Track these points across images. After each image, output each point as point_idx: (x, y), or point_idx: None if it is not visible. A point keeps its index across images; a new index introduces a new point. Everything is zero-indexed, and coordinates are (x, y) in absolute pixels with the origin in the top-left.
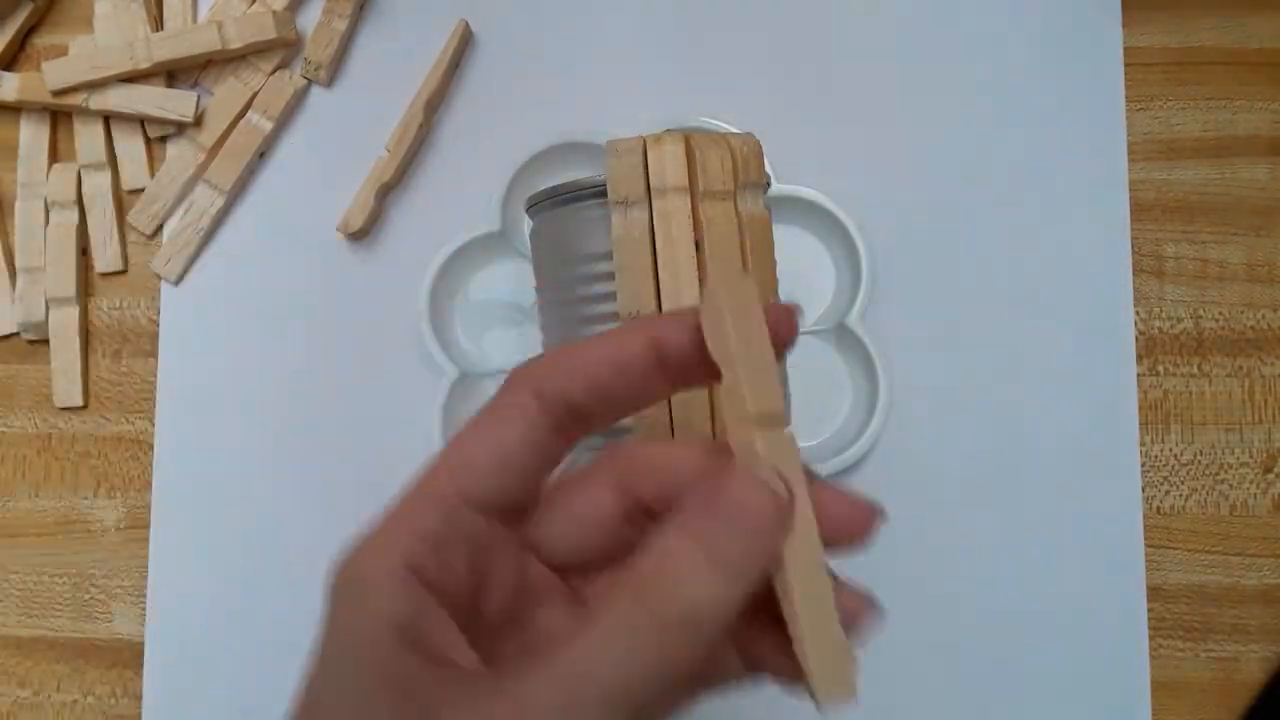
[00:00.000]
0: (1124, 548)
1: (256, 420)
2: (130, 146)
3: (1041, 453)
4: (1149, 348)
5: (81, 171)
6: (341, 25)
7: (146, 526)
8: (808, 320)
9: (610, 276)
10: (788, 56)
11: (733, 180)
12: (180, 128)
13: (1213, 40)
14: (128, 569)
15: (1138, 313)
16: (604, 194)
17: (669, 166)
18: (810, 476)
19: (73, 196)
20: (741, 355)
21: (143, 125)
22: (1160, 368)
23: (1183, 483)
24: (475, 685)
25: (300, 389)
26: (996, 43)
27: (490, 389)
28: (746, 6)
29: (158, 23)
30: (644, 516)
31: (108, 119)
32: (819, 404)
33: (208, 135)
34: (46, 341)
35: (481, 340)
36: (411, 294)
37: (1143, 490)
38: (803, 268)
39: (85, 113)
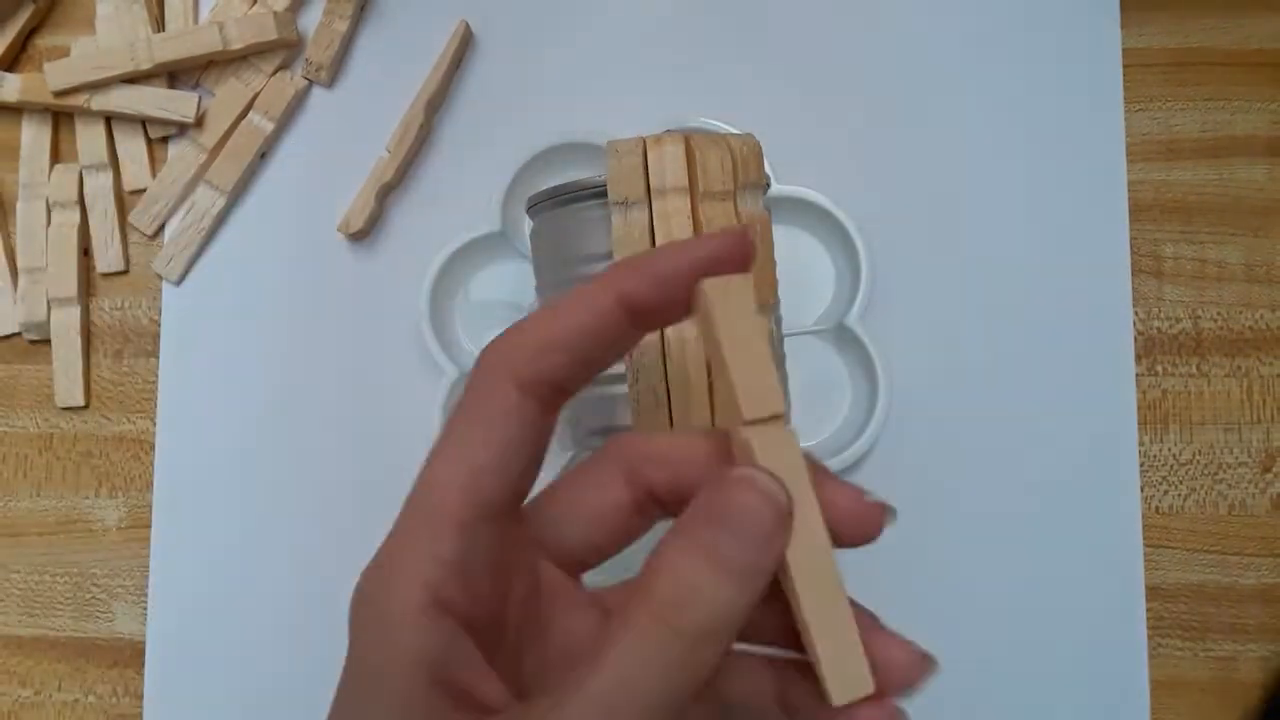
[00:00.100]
0: (1123, 547)
1: (257, 420)
2: (132, 147)
3: (1040, 453)
4: (1148, 348)
5: (83, 172)
6: (342, 26)
7: (148, 526)
8: (808, 320)
9: None
10: (788, 56)
11: (733, 181)
12: (181, 128)
13: (1211, 41)
14: (129, 568)
15: (1136, 313)
16: (604, 194)
17: (669, 167)
18: (818, 472)
19: (74, 197)
20: (735, 356)
21: (144, 126)
22: (1159, 368)
23: (1181, 482)
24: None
25: (301, 389)
26: (995, 43)
27: None
28: (746, 6)
29: (159, 24)
30: (654, 506)
31: (109, 120)
32: (819, 404)
33: (209, 136)
34: (48, 341)
35: (481, 340)
36: (411, 294)
37: (1141, 490)
38: (802, 268)
39: (87, 113)
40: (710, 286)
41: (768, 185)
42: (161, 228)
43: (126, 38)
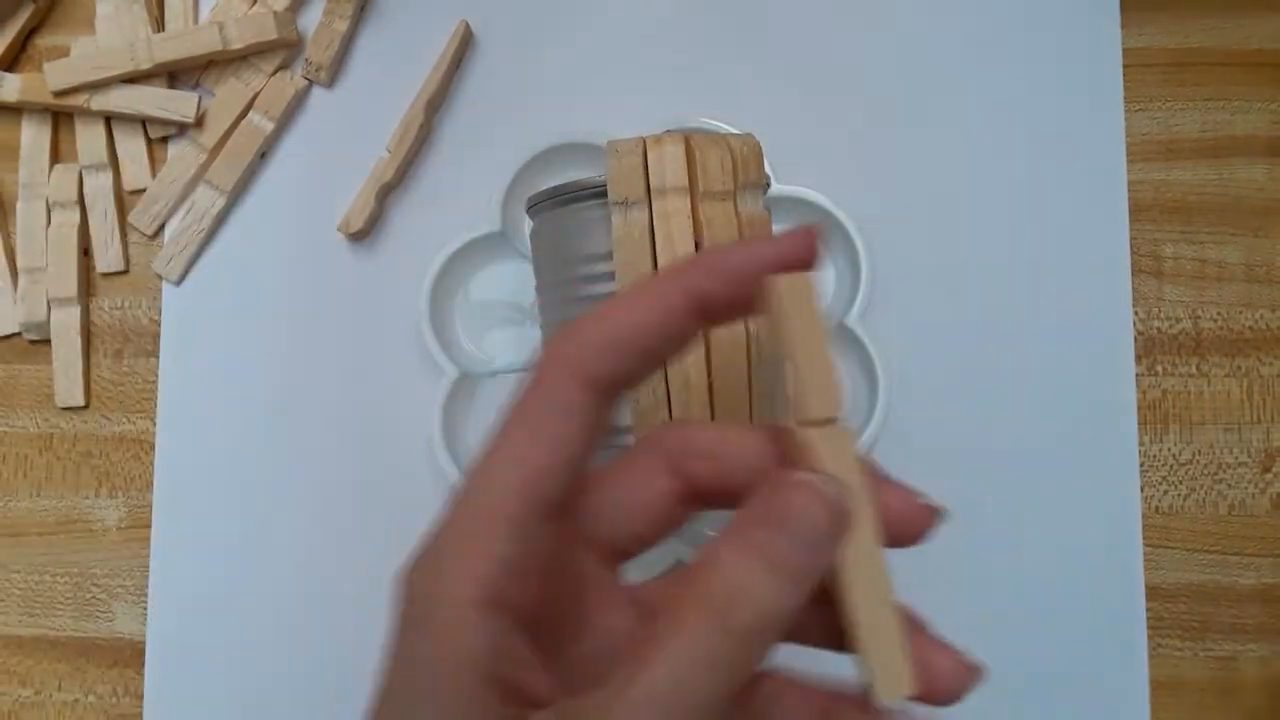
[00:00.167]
0: (1122, 547)
1: (257, 420)
2: (132, 147)
3: (1040, 452)
4: (1148, 348)
5: (83, 172)
6: (342, 26)
7: (148, 526)
8: None
9: (610, 276)
10: (788, 56)
11: (732, 181)
12: (181, 128)
13: (1211, 41)
14: (129, 568)
15: (1136, 313)
16: (604, 194)
17: (669, 167)
18: (872, 472)
19: (74, 197)
20: (801, 355)
21: (144, 126)
22: (1159, 368)
23: (1181, 482)
24: (563, 716)
25: (301, 389)
26: (995, 44)
27: (490, 389)
28: (746, 6)
29: (159, 24)
30: (696, 498)
31: (109, 120)
32: None
33: (209, 136)
34: (48, 341)
35: (481, 340)
36: (411, 294)
37: (1141, 490)
38: None
39: (87, 113)
40: (781, 284)
41: (768, 185)
42: (161, 228)
43: (126, 38)
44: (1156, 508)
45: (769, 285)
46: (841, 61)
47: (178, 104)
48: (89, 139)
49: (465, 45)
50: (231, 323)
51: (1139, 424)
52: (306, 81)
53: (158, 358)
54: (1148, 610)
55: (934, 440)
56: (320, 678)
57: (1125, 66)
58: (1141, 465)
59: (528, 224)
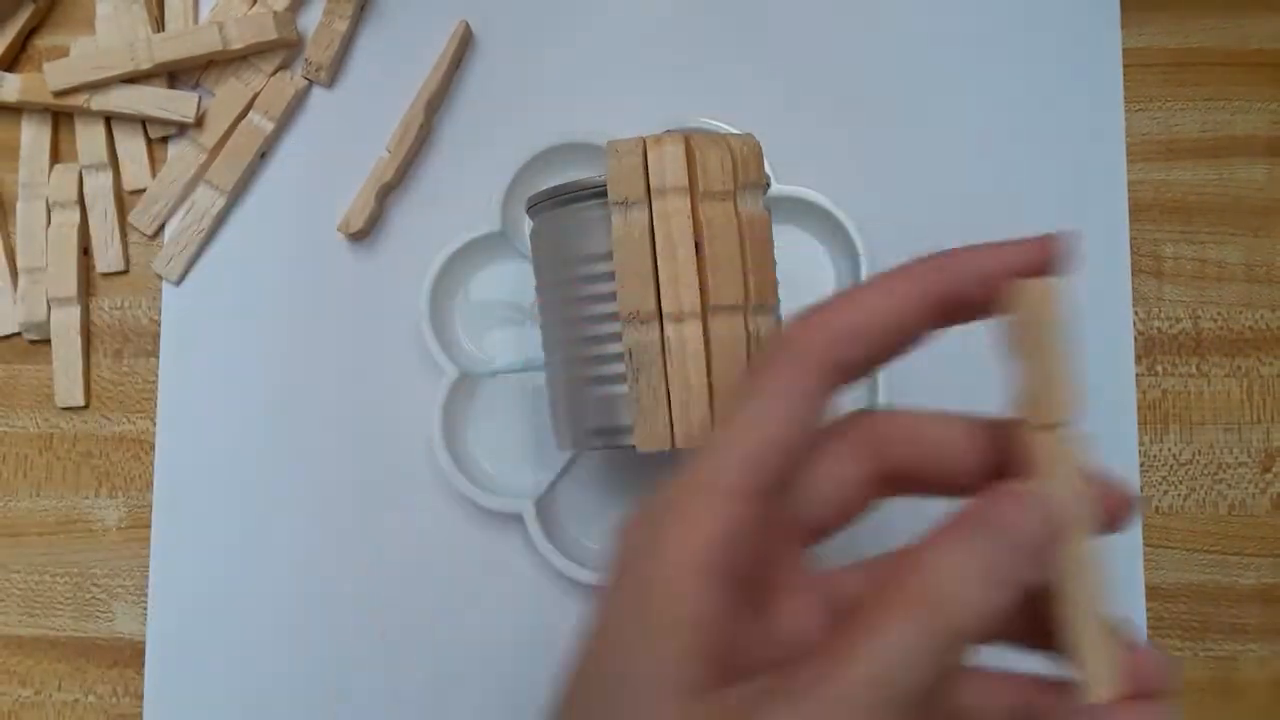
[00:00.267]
0: (1122, 547)
1: (257, 420)
2: (132, 147)
3: None
4: (1147, 348)
5: (83, 172)
6: (342, 26)
7: (148, 526)
8: None
9: (610, 276)
10: (788, 57)
11: (732, 181)
12: (181, 128)
13: (1211, 41)
14: (129, 568)
15: (1136, 313)
16: (604, 194)
17: (669, 167)
18: (1087, 473)
19: (74, 197)
20: (1040, 359)
21: (144, 126)
22: (1159, 368)
23: (1181, 482)
24: (770, 696)
25: (300, 389)
26: (995, 43)
27: (490, 389)
28: (746, 6)
29: (159, 24)
30: (889, 485)
31: (109, 120)
32: None
33: (209, 136)
34: (48, 341)
35: (481, 340)
36: (411, 294)
37: (1141, 489)
38: (802, 268)
39: (87, 113)
40: (1026, 288)
41: (768, 185)
42: (161, 228)
43: (126, 38)
44: (1156, 508)
45: (1013, 289)
46: (841, 61)
47: (178, 104)
48: (89, 139)
49: (465, 45)
50: (231, 323)
51: (1139, 424)
52: (306, 81)
53: (158, 358)
54: (1148, 610)
55: None
56: (320, 678)
57: (1125, 66)
58: (1141, 465)
59: (528, 224)
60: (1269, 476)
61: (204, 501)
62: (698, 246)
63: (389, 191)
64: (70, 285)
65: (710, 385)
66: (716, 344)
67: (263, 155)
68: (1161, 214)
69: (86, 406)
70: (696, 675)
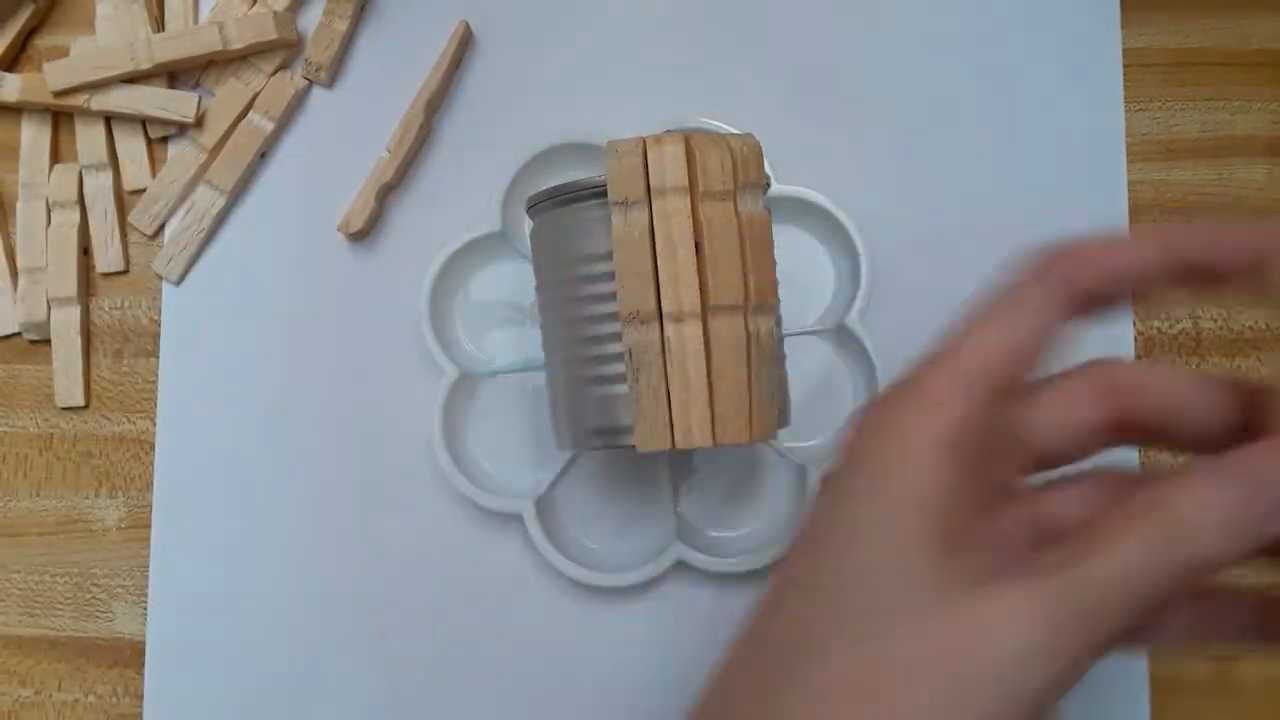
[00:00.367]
0: None
1: (257, 419)
2: (131, 147)
3: None
4: (1147, 348)
5: (83, 172)
6: (342, 26)
7: (148, 526)
8: (808, 320)
9: (610, 276)
10: (788, 57)
11: (733, 181)
12: (181, 128)
13: (1211, 41)
14: (129, 568)
15: (1136, 313)
16: (604, 194)
17: (669, 167)
18: None
19: (74, 197)
20: None
21: (144, 126)
22: None
23: None
24: (1005, 570)
25: (300, 389)
26: (995, 43)
27: (490, 389)
28: (746, 6)
29: (159, 24)
30: (1119, 431)
31: (109, 120)
32: (819, 404)
33: (209, 136)
34: (48, 341)
35: (481, 340)
36: (411, 294)
37: None
38: (802, 268)
39: (87, 113)
40: None
41: (768, 185)
42: (161, 228)
43: (126, 38)
44: None
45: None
46: (841, 61)
47: (178, 104)
48: (89, 139)
49: (465, 45)
50: (231, 323)
51: None
52: (306, 81)
53: (158, 358)
54: None
55: None
56: (320, 678)
57: (1125, 66)
58: (1142, 465)
59: (528, 224)
60: None
61: (204, 501)
62: (698, 246)
63: (389, 191)
64: (70, 285)
65: (710, 385)
66: (716, 344)
67: (263, 155)
68: (1161, 214)
69: (86, 406)
70: (937, 542)
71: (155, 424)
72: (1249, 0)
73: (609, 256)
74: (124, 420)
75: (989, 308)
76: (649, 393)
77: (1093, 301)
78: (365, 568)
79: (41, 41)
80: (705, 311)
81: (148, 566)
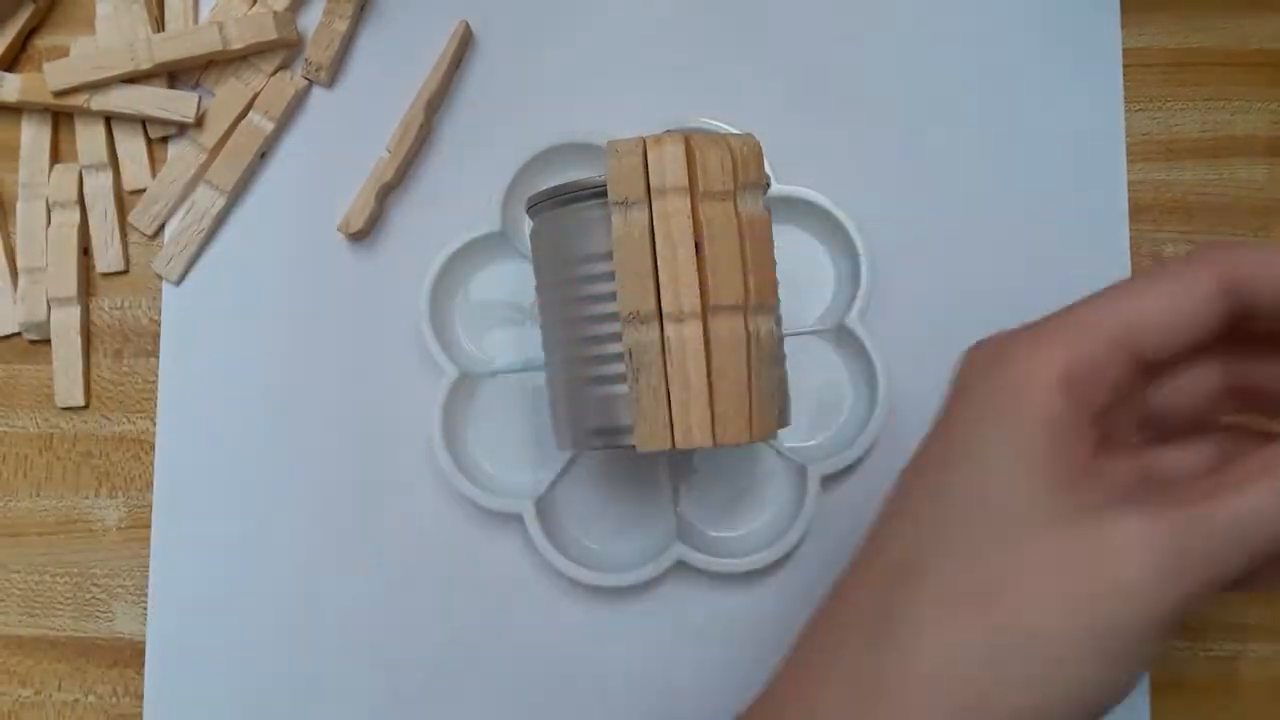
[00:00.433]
0: None
1: (257, 420)
2: (131, 147)
3: None
4: None
5: (83, 172)
6: (342, 26)
7: (148, 526)
8: (808, 320)
9: (610, 276)
10: (788, 57)
11: (733, 181)
12: (181, 128)
13: (1211, 41)
14: (129, 568)
15: None
16: (604, 194)
17: (669, 167)
18: None
19: (74, 197)
20: None
21: (144, 126)
22: None
23: None
24: (1128, 502)
25: (300, 389)
26: (995, 43)
27: (490, 389)
28: (746, 6)
29: (159, 24)
30: (1247, 322)
31: (109, 120)
32: (819, 404)
33: (209, 136)
34: (48, 341)
35: (481, 340)
36: (411, 294)
37: None
38: (802, 268)
39: (87, 113)
40: None
41: (768, 185)
42: (161, 228)
43: (126, 38)
44: None
45: None
46: (842, 61)
47: (178, 104)
48: (89, 139)
49: (465, 45)
50: (231, 323)
51: None
52: (306, 81)
53: (158, 358)
54: None
55: None
56: (320, 678)
57: (1125, 66)
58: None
59: (528, 224)
60: None
61: (204, 501)
62: (698, 246)
63: (389, 191)
64: (70, 285)
65: (710, 385)
66: (716, 344)
67: (263, 155)
68: (1161, 214)
69: (86, 406)
70: (1058, 467)
71: (155, 424)
72: (1249, 0)
73: (609, 256)
74: (124, 420)
75: (1136, 277)
76: (649, 393)
77: (1244, 304)
78: (365, 568)
79: (41, 41)
80: (705, 311)
81: (148, 566)
